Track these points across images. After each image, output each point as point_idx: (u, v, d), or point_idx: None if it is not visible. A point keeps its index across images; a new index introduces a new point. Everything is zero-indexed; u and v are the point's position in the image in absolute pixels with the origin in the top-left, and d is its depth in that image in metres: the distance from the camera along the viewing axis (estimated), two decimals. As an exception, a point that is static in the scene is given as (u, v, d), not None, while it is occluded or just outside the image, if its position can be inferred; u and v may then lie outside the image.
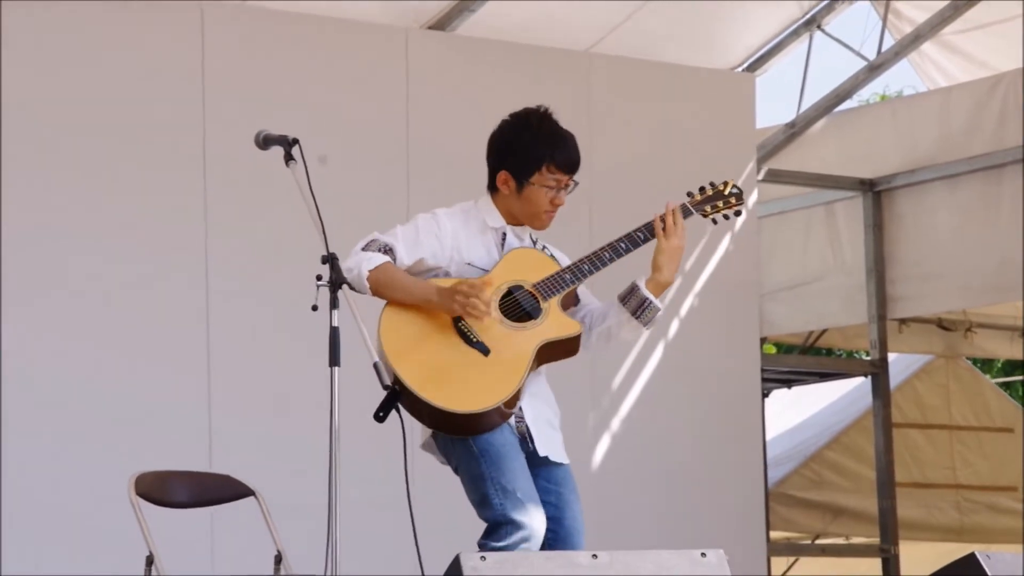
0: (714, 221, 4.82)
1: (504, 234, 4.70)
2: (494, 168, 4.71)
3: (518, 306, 4.57)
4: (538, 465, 4.63)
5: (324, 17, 7.87)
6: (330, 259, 4.25)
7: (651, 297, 4.65)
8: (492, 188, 4.73)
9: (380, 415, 4.32)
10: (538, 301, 4.58)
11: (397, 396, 4.32)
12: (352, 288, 4.38)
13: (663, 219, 4.66)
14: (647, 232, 4.66)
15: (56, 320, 7.14)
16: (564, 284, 4.60)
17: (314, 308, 4.22)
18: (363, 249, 4.54)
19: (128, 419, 7.17)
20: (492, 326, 4.53)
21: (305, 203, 4.22)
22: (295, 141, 4.35)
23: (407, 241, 4.59)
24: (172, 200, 7.43)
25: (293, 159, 4.33)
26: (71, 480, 7.03)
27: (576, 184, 4.70)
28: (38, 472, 7.00)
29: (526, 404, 4.60)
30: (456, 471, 4.62)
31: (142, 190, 7.36)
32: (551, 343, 4.58)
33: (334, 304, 4.21)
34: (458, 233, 4.64)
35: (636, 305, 4.65)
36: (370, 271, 4.48)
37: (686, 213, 4.71)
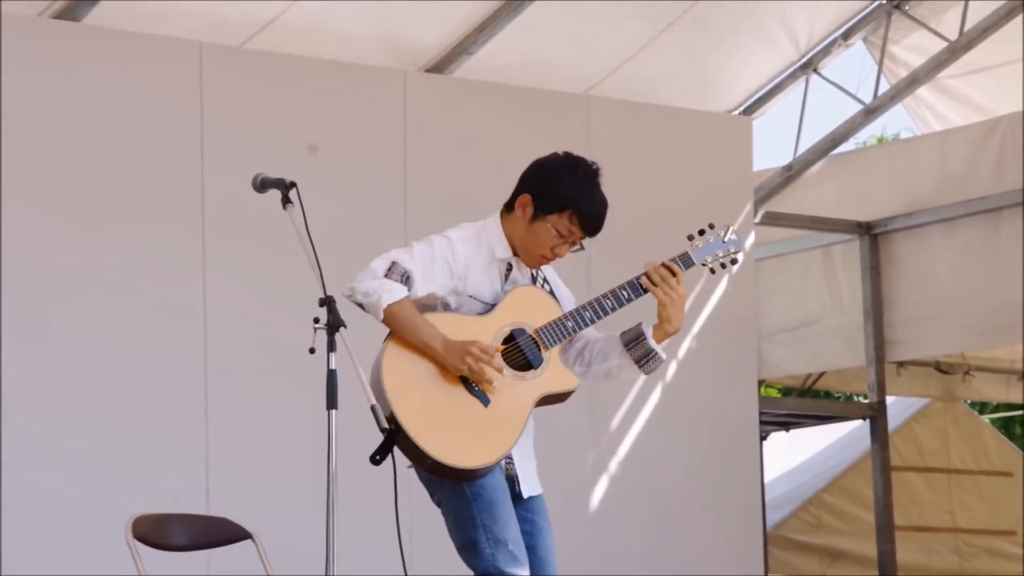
0: (712, 271, 4.81)
1: (509, 265, 4.67)
2: (520, 189, 4.66)
3: (520, 352, 4.56)
4: (518, 499, 4.62)
5: (322, 59, 7.90)
6: (327, 302, 4.24)
7: (657, 349, 4.64)
8: (509, 207, 4.68)
9: (377, 458, 4.31)
10: (540, 348, 4.57)
11: (395, 438, 4.32)
12: (362, 308, 4.40)
13: (656, 274, 4.61)
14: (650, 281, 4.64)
15: (55, 363, 7.14)
16: (566, 332, 4.58)
17: (311, 351, 4.21)
18: (386, 275, 4.48)
19: (126, 461, 7.16)
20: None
21: (302, 246, 4.22)
22: (292, 184, 4.35)
23: (424, 270, 4.53)
24: (170, 242, 7.44)
25: (291, 202, 4.33)
26: (69, 523, 7.02)
27: (582, 247, 4.67)
28: (37, 514, 6.99)
29: (514, 448, 4.57)
30: (439, 505, 4.60)
31: (140, 231, 7.37)
32: (548, 396, 4.58)
33: (331, 347, 4.20)
34: (470, 263, 4.60)
35: (642, 354, 4.64)
36: (390, 304, 4.45)
37: (687, 263, 4.69)
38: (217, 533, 5.55)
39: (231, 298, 7.52)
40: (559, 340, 4.57)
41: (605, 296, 4.61)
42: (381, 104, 8.05)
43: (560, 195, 4.59)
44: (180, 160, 7.49)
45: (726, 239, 4.79)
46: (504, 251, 4.65)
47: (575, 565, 7.16)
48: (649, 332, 4.65)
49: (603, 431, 8.46)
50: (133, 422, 7.22)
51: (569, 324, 4.59)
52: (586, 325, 4.60)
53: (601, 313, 4.60)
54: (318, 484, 4.24)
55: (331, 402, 4.16)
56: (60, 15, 7.34)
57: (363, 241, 7.65)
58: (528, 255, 4.66)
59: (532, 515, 4.63)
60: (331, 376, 4.17)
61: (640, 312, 4.72)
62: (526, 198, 4.62)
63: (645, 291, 4.64)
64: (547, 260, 4.66)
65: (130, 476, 7.12)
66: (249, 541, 5.46)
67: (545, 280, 4.75)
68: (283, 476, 7.35)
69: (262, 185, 4.43)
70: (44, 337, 7.14)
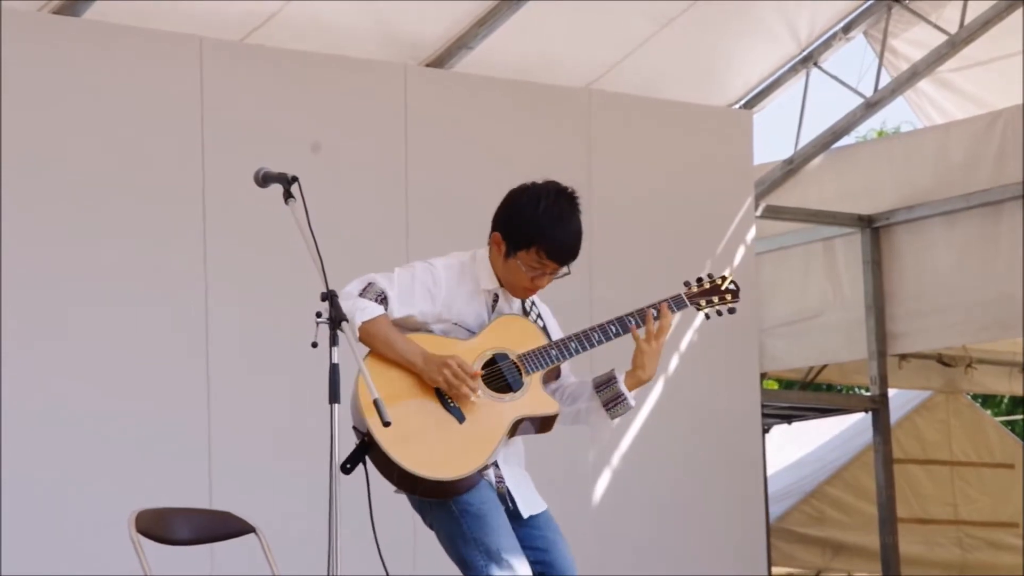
0: (707, 316, 4.78)
1: (496, 296, 4.65)
2: (493, 225, 4.65)
3: (500, 376, 4.54)
4: (521, 518, 4.61)
5: (322, 54, 7.89)
6: (329, 296, 4.25)
7: (627, 394, 4.63)
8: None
9: (347, 467, 4.35)
10: (521, 373, 4.55)
11: (367, 449, 4.32)
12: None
13: (644, 320, 4.58)
14: (640, 320, 4.62)
15: (56, 360, 7.14)
16: (549, 360, 4.57)
17: (314, 345, 4.22)
18: (360, 294, 4.49)
19: (129, 457, 7.16)
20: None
21: (304, 240, 4.23)
22: (294, 179, 4.35)
23: (402, 294, 4.53)
24: (171, 238, 7.44)
25: (292, 197, 4.33)
26: (72, 518, 7.02)
27: (568, 272, 4.63)
28: (39, 510, 6.99)
29: (504, 468, 4.57)
30: (431, 527, 4.59)
31: (141, 225, 7.37)
32: (527, 419, 4.55)
33: (334, 341, 4.21)
34: (452, 291, 4.58)
35: (610, 397, 4.64)
36: (364, 322, 4.44)
37: (680, 305, 4.68)
38: (220, 527, 5.55)
39: (232, 292, 7.52)
40: (541, 367, 4.56)
41: (592, 329, 4.59)
42: (382, 99, 8.05)
43: (525, 231, 4.55)
44: (180, 155, 7.49)
45: (723, 287, 4.78)
46: (490, 282, 4.63)
47: (577, 560, 7.16)
48: (621, 377, 4.64)
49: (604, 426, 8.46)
50: (135, 417, 7.22)
51: (553, 352, 4.57)
52: (570, 355, 4.58)
53: (587, 344, 4.58)
54: (321, 478, 4.24)
55: (334, 396, 4.16)
56: (60, 10, 7.33)
57: (364, 235, 7.69)
58: (511, 288, 4.64)
59: (541, 531, 4.62)
60: (333, 370, 4.17)
61: (618, 358, 4.71)
62: (497, 236, 4.60)
63: (635, 327, 4.61)
64: (530, 292, 4.64)
65: (132, 472, 7.12)
66: (252, 535, 5.46)
67: (539, 316, 4.73)
68: (286, 470, 7.35)
69: (264, 179, 4.44)
70: (44, 333, 7.13)
